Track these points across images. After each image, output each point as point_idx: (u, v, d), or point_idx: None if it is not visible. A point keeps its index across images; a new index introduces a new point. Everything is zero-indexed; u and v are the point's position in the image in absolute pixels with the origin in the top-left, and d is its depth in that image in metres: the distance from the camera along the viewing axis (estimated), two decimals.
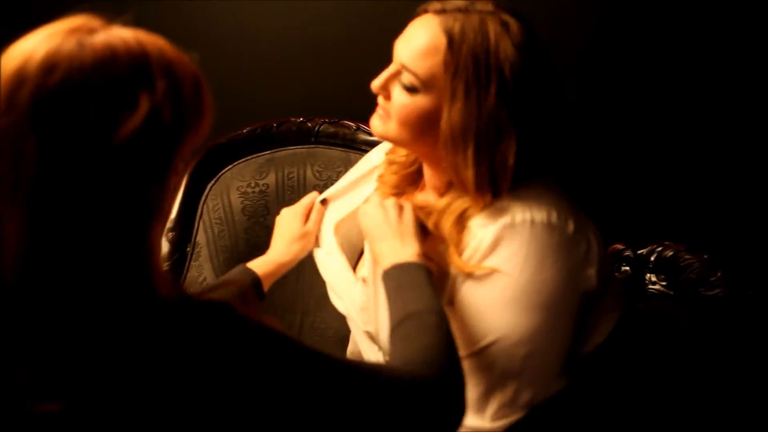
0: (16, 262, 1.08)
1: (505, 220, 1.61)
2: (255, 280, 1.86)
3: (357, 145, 2.38)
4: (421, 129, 1.65)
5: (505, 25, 1.59)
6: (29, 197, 1.07)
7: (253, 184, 2.41)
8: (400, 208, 1.70)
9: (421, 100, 1.63)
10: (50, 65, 1.06)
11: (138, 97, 1.08)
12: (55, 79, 1.06)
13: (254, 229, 2.38)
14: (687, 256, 1.97)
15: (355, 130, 2.37)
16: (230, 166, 2.43)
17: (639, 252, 2.01)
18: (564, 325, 1.64)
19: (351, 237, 1.92)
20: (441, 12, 1.63)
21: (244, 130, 2.43)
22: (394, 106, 1.66)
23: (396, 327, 1.46)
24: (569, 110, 1.70)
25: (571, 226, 1.63)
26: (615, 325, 1.72)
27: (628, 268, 2.02)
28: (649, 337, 1.93)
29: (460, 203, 1.66)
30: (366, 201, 1.80)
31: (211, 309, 1.15)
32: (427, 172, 1.77)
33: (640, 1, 2.22)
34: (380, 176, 1.86)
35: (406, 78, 1.63)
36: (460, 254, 1.63)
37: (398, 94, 1.65)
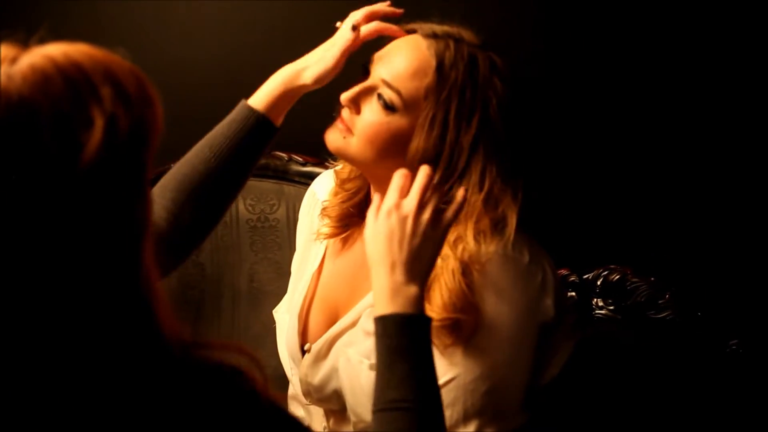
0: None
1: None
2: (260, 121, 1.66)
3: (290, 176, 2.33)
4: (386, 149, 1.60)
5: (493, 62, 1.61)
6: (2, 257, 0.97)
7: None
8: (428, 218, 1.44)
9: (397, 121, 1.59)
10: None
11: (89, 111, 0.99)
12: None
13: (186, 266, 2.29)
14: (634, 280, 1.97)
15: (287, 161, 2.33)
16: None
17: (585, 276, 2.00)
18: (524, 359, 1.61)
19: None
20: (431, 36, 1.61)
21: (172, 165, 2.36)
22: (362, 122, 1.61)
23: (385, 410, 1.35)
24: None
25: (526, 257, 1.60)
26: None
27: (574, 293, 2.00)
28: (601, 364, 1.91)
29: None
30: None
31: (220, 377, 1.08)
32: (378, 199, 1.70)
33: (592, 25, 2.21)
34: (324, 209, 1.79)
35: (387, 95, 1.59)
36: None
37: (371, 111, 1.61)
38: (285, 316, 1.83)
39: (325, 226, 1.78)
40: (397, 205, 1.44)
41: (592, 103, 2.20)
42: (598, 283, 1.98)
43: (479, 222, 1.57)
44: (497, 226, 1.58)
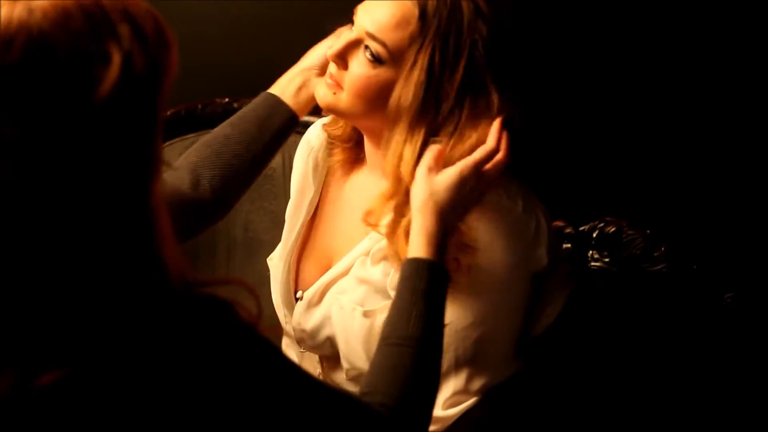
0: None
1: None
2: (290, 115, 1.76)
3: None
4: (376, 102, 1.59)
5: (477, 5, 1.58)
6: (18, 192, 1.00)
7: None
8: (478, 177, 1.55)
9: (385, 73, 1.58)
10: (5, 39, 0.98)
11: (107, 48, 1.01)
12: (16, 53, 0.98)
13: None
14: (630, 232, 1.97)
15: None
16: None
17: (581, 229, 1.99)
18: (516, 308, 1.62)
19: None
20: None
21: (168, 112, 2.36)
22: (351, 77, 1.60)
23: (395, 345, 1.39)
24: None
25: (519, 205, 1.60)
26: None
27: (569, 245, 2.00)
28: (595, 317, 1.92)
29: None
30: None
31: (213, 308, 1.11)
32: (370, 149, 1.70)
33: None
34: (329, 132, 1.80)
35: (374, 47, 1.57)
36: (407, 237, 1.55)
37: (358, 65, 1.59)
38: (279, 264, 1.83)
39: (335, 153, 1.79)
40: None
41: (588, 51, 2.19)
42: (594, 235, 1.97)
43: None
44: None
